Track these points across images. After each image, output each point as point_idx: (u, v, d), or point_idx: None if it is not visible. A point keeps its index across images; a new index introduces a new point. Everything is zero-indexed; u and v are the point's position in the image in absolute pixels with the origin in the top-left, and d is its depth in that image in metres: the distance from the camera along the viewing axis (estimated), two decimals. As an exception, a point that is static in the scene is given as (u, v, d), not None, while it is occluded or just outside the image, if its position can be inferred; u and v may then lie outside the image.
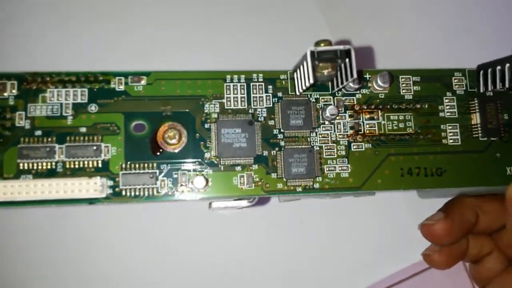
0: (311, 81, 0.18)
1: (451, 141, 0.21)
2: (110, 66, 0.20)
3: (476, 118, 0.21)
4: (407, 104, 0.21)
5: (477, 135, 0.21)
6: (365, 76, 0.21)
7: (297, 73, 0.19)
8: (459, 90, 0.21)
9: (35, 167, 0.19)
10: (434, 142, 0.21)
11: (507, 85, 0.19)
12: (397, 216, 0.28)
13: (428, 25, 0.30)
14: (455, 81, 0.21)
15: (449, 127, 0.21)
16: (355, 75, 0.18)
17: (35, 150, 0.19)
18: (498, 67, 0.19)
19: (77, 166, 0.19)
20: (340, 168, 0.20)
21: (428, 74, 0.21)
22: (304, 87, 0.19)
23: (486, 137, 0.21)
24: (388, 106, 0.21)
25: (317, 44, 0.18)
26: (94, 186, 0.18)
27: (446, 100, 0.21)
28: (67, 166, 0.19)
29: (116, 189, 0.19)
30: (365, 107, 0.21)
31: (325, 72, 0.18)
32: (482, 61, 0.21)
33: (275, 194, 0.20)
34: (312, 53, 0.17)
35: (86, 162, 0.19)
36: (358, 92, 0.21)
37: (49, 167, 0.19)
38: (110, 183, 0.19)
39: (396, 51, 0.29)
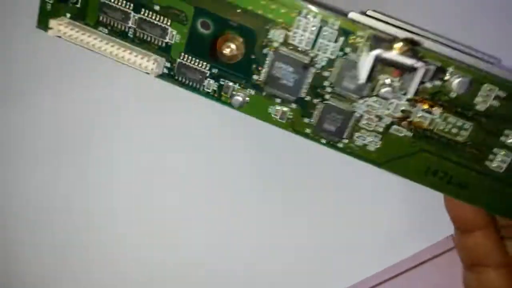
0: (362, 80, 0.17)
1: (494, 165, 0.20)
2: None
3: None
4: (475, 114, 0.19)
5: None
6: (447, 68, 0.19)
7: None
8: None
9: (111, 24, 0.21)
10: (476, 158, 0.20)
11: None
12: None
13: None
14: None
15: (502, 153, 0.20)
16: (409, 95, 0.16)
17: (113, 11, 0.20)
18: None
19: (144, 38, 0.21)
20: (370, 141, 0.20)
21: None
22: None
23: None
24: (453, 108, 0.19)
25: (390, 44, 0.16)
26: (153, 61, 0.21)
27: (520, 128, 0.19)
28: (137, 35, 0.21)
29: (171, 72, 0.21)
30: (428, 98, 0.19)
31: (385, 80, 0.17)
32: None
33: (301, 135, 0.21)
34: (377, 57, 0.16)
35: (152, 39, 0.21)
36: (430, 81, 0.19)
37: (122, 29, 0.21)
38: (168, 64, 0.21)
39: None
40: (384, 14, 0.18)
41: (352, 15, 0.18)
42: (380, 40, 0.17)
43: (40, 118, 0.31)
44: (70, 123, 0.31)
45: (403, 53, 0.16)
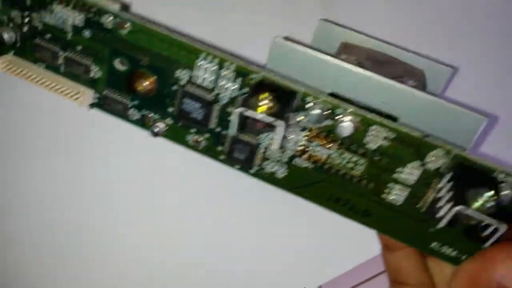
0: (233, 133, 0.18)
1: (391, 197, 0.21)
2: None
3: (430, 197, 0.20)
4: (367, 151, 0.20)
5: (421, 208, 0.20)
6: (334, 111, 0.19)
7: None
8: (431, 165, 0.19)
9: (47, 61, 0.23)
10: (374, 191, 0.21)
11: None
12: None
13: None
14: (432, 158, 0.19)
15: (398, 187, 0.20)
16: (274, 147, 0.18)
17: (45, 50, 0.23)
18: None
19: (74, 73, 0.23)
20: (277, 169, 0.22)
21: (407, 138, 0.19)
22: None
23: (429, 216, 0.20)
24: (347, 145, 0.20)
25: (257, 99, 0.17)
26: (83, 94, 0.23)
27: (410, 166, 0.20)
28: (67, 70, 0.23)
29: (101, 102, 0.23)
30: (324, 135, 0.20)
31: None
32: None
33: (217, 161, 0.23)
34: (241, 114, 0.17)
35: (81, 74, 0.23)
36: (323, 121, 0.20)
37: (55, 65, 0.23)
38: (97, 96, 0.23)
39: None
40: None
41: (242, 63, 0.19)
42: (255, 91, 0.18)
43: (40, 117, 0.34)
44: (69, 122, 0.33)
45: (267, 110, 0.17)
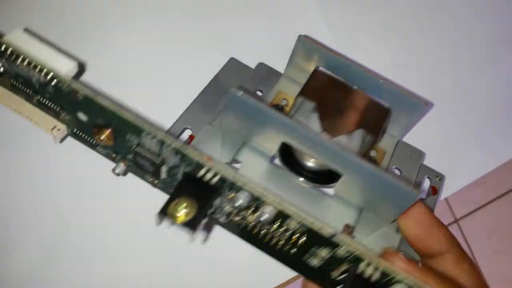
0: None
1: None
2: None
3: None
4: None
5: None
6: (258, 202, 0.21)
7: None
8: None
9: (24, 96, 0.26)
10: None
11: None
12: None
13: None
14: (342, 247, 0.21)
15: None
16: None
17: (20, 91, 0.25)
18: None
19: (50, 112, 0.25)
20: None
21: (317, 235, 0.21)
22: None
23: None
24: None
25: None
26: (58, 128, 0.26)
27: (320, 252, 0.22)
28: (44, 110, 0.25)
29: (74, 135, 0.26)
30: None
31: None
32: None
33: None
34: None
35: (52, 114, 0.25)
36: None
37: (33, 102, 0.25)
38: (69, 131, 0.26)
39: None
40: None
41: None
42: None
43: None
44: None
45: (185, 217, 0.19)
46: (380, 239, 0.27)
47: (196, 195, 0.20)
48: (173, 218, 0.19)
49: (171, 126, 0.30)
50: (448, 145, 0.34)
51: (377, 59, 0.34)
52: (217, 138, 0.28)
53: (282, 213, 0.21)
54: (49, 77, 0.23)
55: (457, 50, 0.37)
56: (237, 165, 0.27)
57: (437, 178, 0.31)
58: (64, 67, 0.23)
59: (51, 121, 0.26)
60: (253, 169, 0.27)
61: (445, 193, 0.33)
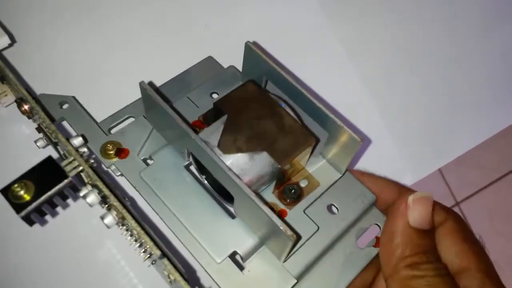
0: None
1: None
2: None
3: None
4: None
5: None
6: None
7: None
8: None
9: None
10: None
11: None
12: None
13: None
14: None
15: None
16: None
17: None
18: None
19: None
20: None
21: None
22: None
23: None
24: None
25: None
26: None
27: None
28: None
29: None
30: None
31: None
32: None
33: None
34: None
35: None
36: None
37: None
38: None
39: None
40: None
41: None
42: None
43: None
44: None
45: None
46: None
47: (41, 182, 0.20)
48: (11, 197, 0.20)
49: (118, 111, 0.30)
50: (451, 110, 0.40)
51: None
52: (147, 131, 0.28)
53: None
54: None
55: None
56: (150, 162, 0.27)
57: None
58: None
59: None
60: (162, 170, 0.26)
61: (448, 157, 0.39)
